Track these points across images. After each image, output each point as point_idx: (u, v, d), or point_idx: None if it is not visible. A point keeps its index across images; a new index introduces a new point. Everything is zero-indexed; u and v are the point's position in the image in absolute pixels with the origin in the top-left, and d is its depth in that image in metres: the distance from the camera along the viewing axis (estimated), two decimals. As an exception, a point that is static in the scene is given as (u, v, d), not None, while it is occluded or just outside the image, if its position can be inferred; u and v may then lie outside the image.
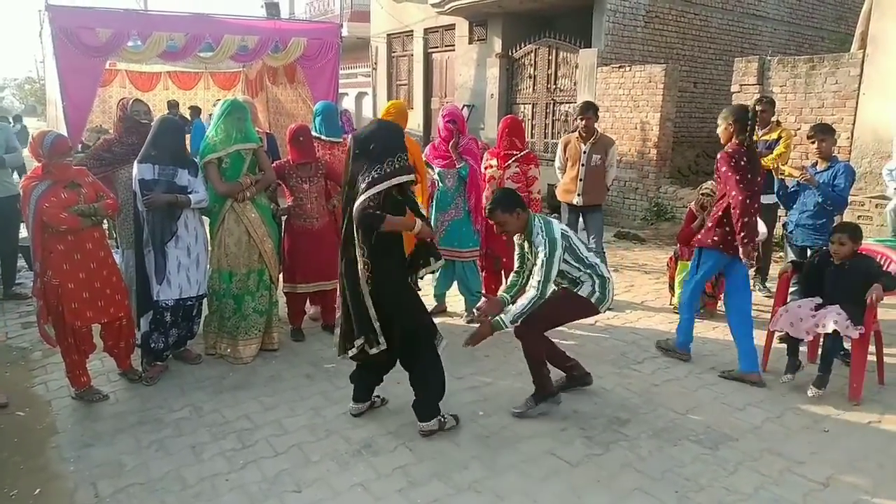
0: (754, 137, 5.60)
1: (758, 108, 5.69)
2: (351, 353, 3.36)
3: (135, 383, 3.98)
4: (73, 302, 3.62)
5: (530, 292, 3.42)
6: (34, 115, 40.44)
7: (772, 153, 5.48)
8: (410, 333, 3.32)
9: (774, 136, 5.59)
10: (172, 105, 10.80)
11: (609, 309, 3.79)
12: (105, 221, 3.95)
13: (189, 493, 2.91)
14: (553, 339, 4.06)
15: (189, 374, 4.15)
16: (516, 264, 3.79)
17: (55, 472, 3.11)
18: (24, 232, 6.30)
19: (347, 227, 3.22)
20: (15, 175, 6.28)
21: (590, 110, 5.58)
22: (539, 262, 3.41)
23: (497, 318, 3.45)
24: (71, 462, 3.17)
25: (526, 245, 3.63)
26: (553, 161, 5.97)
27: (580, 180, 5.57)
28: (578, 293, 3.59)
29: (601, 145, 5.59)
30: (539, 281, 3.39)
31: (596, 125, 5.70)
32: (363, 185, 3.11)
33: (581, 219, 5.77)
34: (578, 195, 5.61)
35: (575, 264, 3.57)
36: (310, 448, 3.27)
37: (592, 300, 3.59)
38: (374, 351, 3.28)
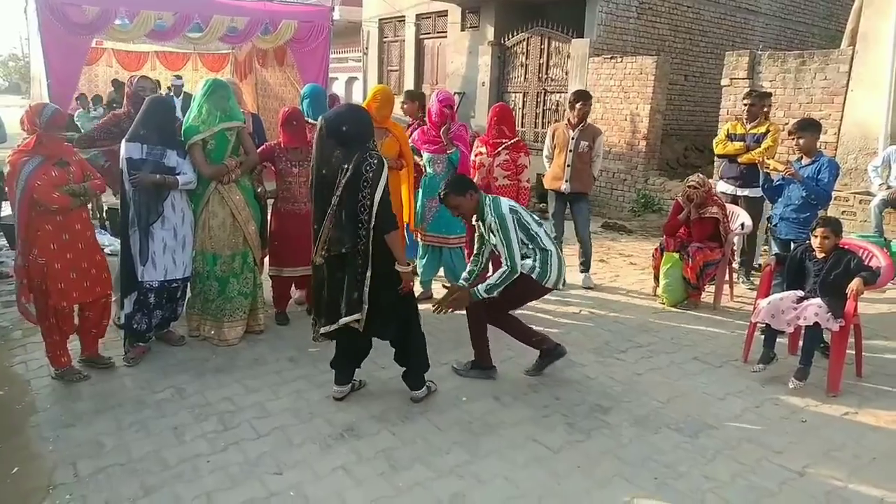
0: (742, 130, 5.71)
1: (745, 101, 5.77)
2: (328, 328, 3.37)
3: (108, 368, 3.89)
4: (60, 282, 3.57)
5: (502, 267, 3.61)
6: (18, 93, 39.78)
7: (759, 146, 5.52)
8: (404, 313, 3.46)
9: (763, 129, 5.63)
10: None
11: (560, 287, 3.87)
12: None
13: (169, 473, 2.90)
14: (538, 327, 4.10)
15: (172, 356, 4.12)
16: (475, 247, 3.93)
17: (34, 451, 3.08)
18: (5, 210, 6.23)
19: (346, 213, 3.22)
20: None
21: (587, 98, 5.61)
22: (497, 239, 3.61)
23: (474, 289, 3.66)
24: (50, 442, 3.14)
25: (481, 226, 3.74)
26: (543, 150, 5.97)
27: (568, 167, 5.58)
28: (521, 270, 3.70)
29: (589, 133, 5.61)
30: (506, 257, 3.59)
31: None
32: (370, 176, 3.16)
33: (568, 207, 5.78)
34: (566, 182, 5.62)
35: (526, 241, 3.71)
36: (292, 431, 3.26)
37: (533, 276, 3.68)
38: (355, 317, 3.30)
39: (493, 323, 3.83)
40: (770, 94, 6.45)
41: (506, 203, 3.70)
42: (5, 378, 3.84)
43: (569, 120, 5.67)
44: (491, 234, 3.66)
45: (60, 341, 3.72)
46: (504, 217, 3.59)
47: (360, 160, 3.19)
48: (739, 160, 5.68)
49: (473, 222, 3.81)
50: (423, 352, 3.56)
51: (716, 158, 7.50)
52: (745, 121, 5.78)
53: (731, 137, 5.81)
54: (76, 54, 8.56)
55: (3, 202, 6.09)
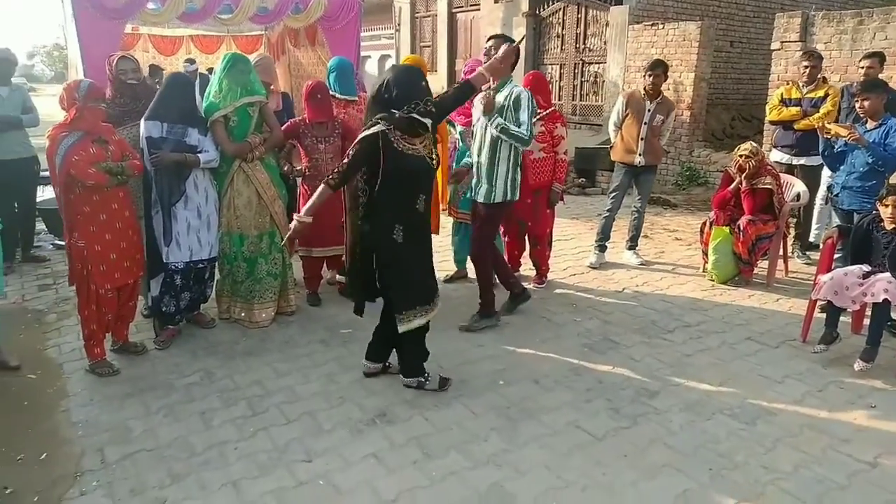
0: (798, 94, 5.32)
1: (805, 63, 5.37)
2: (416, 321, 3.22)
3: (140, 354, 3.83)
4: (102, 264, 3.51)
5: (521, 128, 3.78)
6: (63, 82, 40.59)
7: (818, 111, 5.14)
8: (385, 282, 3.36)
9: (821, 93, 5.26)
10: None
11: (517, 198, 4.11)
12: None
13: (197, 460, 2.81)
14: (580, 307, 3.89)
15: (202, 338, 4.04)
16: (475, 145, 4.08)
17: (63, 436, 3.03)
18: (43, 194, 6.26)
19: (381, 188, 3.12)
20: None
21: (660, 67, 5.31)
22: (524, 112, 3.78)
23: (494, 119, 3.81)
24: (79, 427, 3.09)
25: (488, 98, 3.79)
26: (582, 125, 5.68)
27: (642, 139, 5.29)
28: (494, 202, 3.95)
29: (665, 107, 5.35)
30: (527, 128, 3.78)
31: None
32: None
33: (634, 179, 5.51)
34: (640, 155, 5.33)
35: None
36: (322, 416, 3.14)
37: (507, 198, 3.98)
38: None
39: (486, 253, 4.09)
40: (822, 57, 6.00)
41: None
42: (38, 362, 3.81)
43: (645, 89, 5.36)
44: (502, 110, 3.78)
45: (98, 331, 3.63)
46: (530, 97, 3.86)
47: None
48: (795, 126, 5.31)
49: (483, 88, 3.63)
50: (417, 338, 3.30)
51: (767, 126, 7.10)
52: (801, 84, 5.39)
53: (785, 103, 5.44)
54: (110, 40, 8.53)
55: (45, 187, 6.12)
